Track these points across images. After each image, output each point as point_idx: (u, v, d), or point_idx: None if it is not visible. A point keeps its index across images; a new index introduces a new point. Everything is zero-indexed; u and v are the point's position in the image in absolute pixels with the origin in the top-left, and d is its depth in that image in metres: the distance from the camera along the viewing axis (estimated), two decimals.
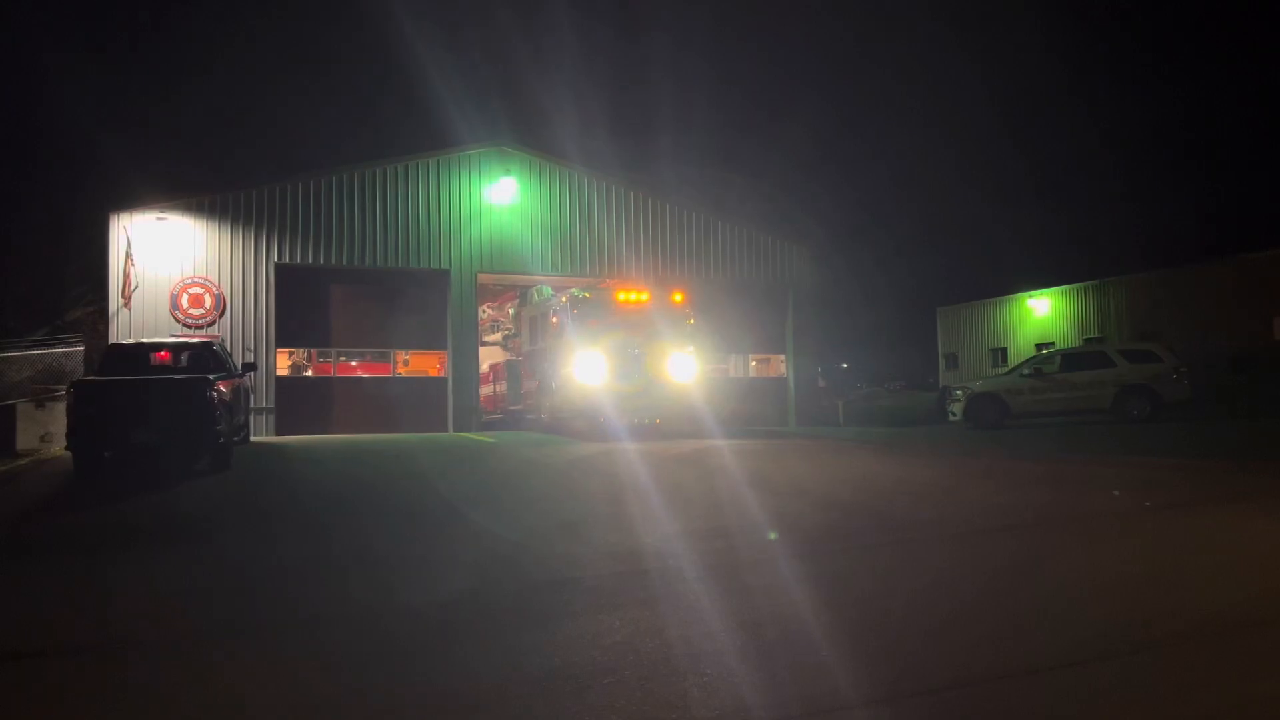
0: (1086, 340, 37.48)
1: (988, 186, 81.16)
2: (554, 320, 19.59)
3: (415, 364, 25.81)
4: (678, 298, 19.82)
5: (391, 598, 6.96)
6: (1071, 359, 23.01)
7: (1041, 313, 42.18)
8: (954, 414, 22.99)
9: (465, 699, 4.79)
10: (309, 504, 11.72)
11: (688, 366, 19.14)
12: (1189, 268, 36.74)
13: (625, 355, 18.64)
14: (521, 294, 22.21)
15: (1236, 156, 64.72)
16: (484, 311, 25.50)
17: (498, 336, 23.95)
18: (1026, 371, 22.89)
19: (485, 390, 24.17)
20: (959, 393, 23.38)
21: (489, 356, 24.45)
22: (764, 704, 4.50)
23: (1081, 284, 40.73)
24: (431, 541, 9.00)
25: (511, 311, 22.99)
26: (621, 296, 19.32)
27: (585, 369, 18.34)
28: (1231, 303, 34.36)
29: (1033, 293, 42.54)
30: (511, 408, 22.73)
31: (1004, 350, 43.26)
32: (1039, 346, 38.71)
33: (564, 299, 19.38)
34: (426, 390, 25.14)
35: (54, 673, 5.41)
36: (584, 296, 19.31)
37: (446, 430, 23.90)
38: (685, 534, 8.56)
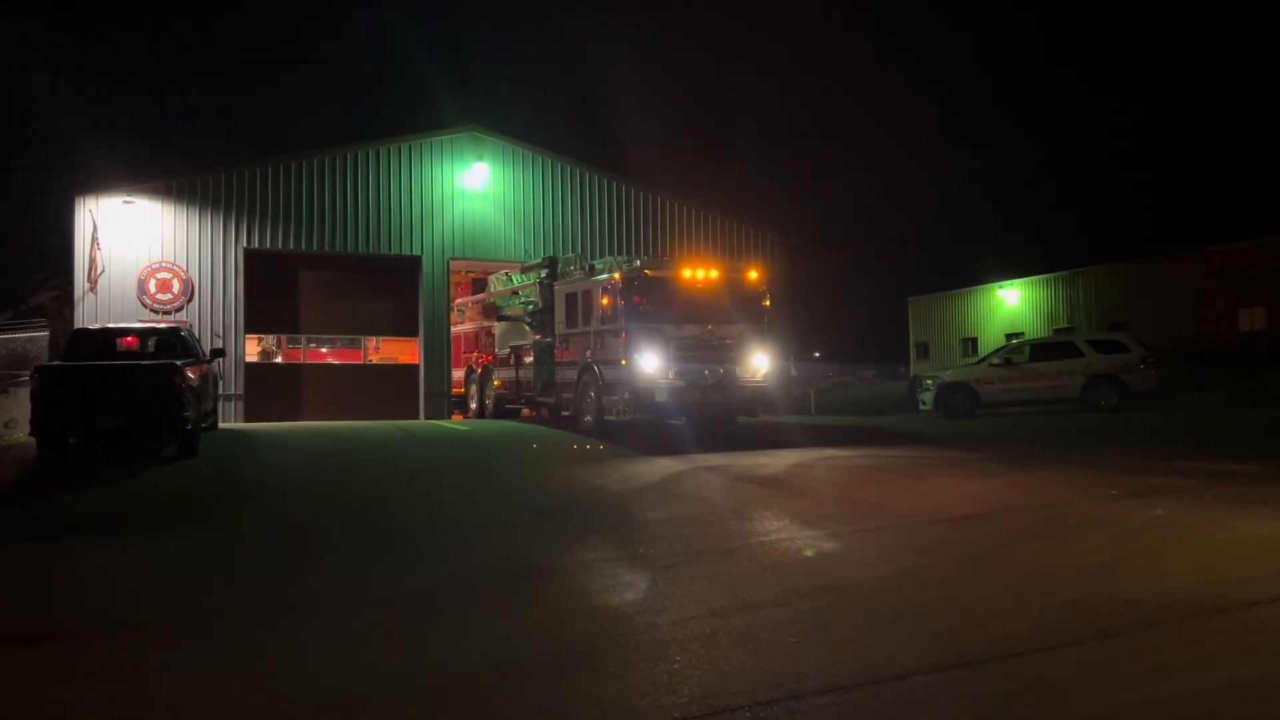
0: (1056, 330, 37.87)
1: (961, 178, 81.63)
2: (604, 301, 16.22)
3: (386, 351, 25.66)
4: (753, 275, 16.91)
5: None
6: (1041, 349, 23.24)
7: (1012, 303, 42.56)
8: (924, 403, 23.15)
9: None
10: (277, 493, 11.63)
11: (768, 358, 16.48)
12: (1156, 260, 37.15)
13: (698, 345, 15.78)
14: (550, 263, 19.09)
15: (1204, 151, 65.42)
16: (499, 281, 21.92)
17: (518, 310, 20.26)
18: (996, 361, 23.08)
19: (504, 375, 21.02)
20: (929, 382, 23.56)
21: (510, 337, 20.75)
22: None
23: (1051, 275, 41.12)
24: None
25: (535, 280, 19.18)
26: (688, 274, 16.25)
27: (650, 362, 15.39)
28: (1198, 295, 34.81)
29: (1003, 283, 42.92)
30: (540, 398, 19.16)
31: (974, 340, 43.62)
32: (1009, 336, 39.04)
33: (617, 275, 16.04)
34: (398, 377, 25.01)
35: (18, 657, 5.37)
36: (645, 274, 15.99)
37: (418, 418, 23.78)
38: None
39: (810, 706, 4.36)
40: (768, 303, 16.91)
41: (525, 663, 5.10)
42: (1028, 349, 23.44)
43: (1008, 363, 22.64)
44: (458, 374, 24.18)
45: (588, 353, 16.75)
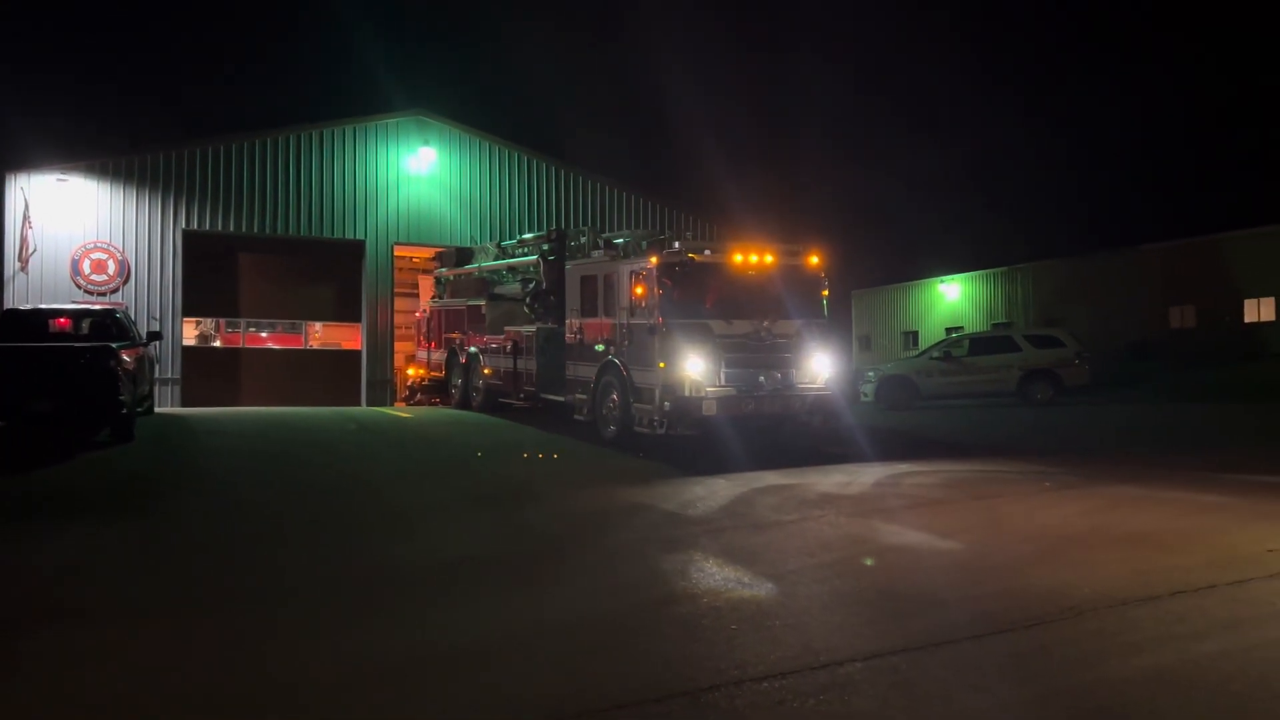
0: (994, 325, 38.55)
1: (905, 173, 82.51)
2: (637, 289, 13.62)
3: (328, 336, 25.33)
4: (813, 260, 14.19)
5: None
6: (979, 343, 23.68)
7: (952, 298, 43.24)
8: (866, 395, 23.45)
9: None
10: (215, 479, 11.48)
11: (829, 359, 14.06)
12: (1092, 256, 37.97)
13: (750, 346, 13.34)
14: (558, 236, 16.68)
15: (1141, 151, 66.89)
16: (490, 253, 19.86)
17: (515, 289, 17.92)
18: (936, 354, 23.46)
19: (498, 363, 18.16)
20: (871, 374, 23.88)
21: (506, 319, 18.13)
22: None
23: (991, 270, 41.83)
24: None
25: (537, 256, 16.88)
26: (739, 259, 13.64)
27: (695, 365, 12.92)
28: (1132, 292, 35.67)
29: (944, 278, 43.57)
30: (546, 395, 16.36)
31: (915, 333, 44.25)
32: (949, 330, 39.68)
33: (654, 259, 13.43)
34: (339, 363, 24.71)
35: None
36: (689, 258, 13.40)
37: (360, 404, 23.53)
38: None
39: None
40: (827, 292, 14.44)
41: None
42: (967, 343, 23.86)
43: (947, 356, 23.03)
44: (437, 356, 21.52)
45: (610, 348, 14.29)
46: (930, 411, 21.25)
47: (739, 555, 7.25)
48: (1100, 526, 8.20)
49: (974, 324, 40.45)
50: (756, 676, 4.69)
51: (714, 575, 6.71)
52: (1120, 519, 8.48)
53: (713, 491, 10.15)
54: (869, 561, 7.11)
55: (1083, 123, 75.86)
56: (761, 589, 6.34)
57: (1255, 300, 32.59)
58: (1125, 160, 67.74)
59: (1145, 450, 13.98)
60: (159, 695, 4.59)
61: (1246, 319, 32.77)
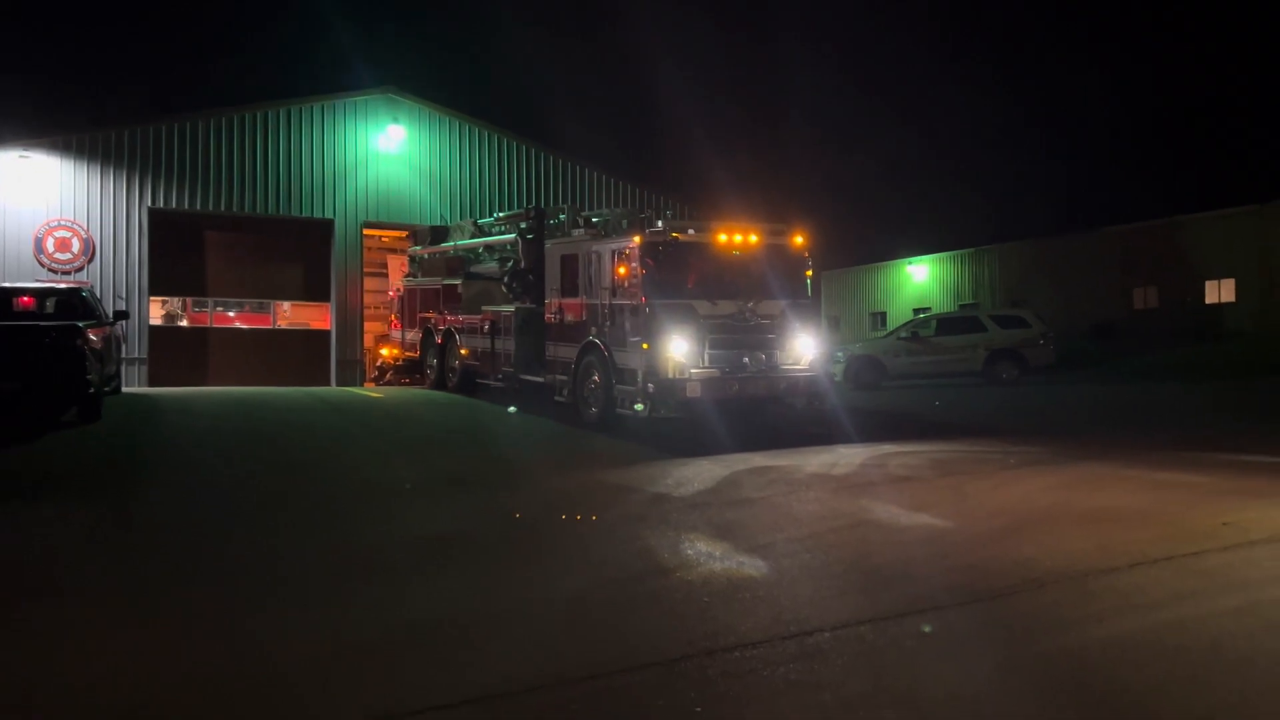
0: (961, 306, 38.90)
1: (874, 155, 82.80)
2: (620, 269, 13.50)
3: (297, 316, 25.18)
4: (798, 239, 14.10)
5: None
6: (946, 323, 23.93)
7: (920, 279, 43.59)
8: (835, 375, 23.64)
9: None
10: (182, 457, 11.44)
11: (814, 341, 14.04)
12: (1058, 238, 38.38)
13: (735, 327, 13.24)
14: (536, 214, 16.53)
15: (1105, 133, 67.62)
16: (465, 231, 19.58)
17: (492, 269, 17.76)
18: (904, 335, 23.70)
19: (475, 343, 17.93)
20: (839, 354, 24.06)
21: (483, 299, 17.84)
22: None
23: (958, 252, 42.20)
24: None
25: (515, 234, 16.64)
26: (723, 238, 13.55)
27: (679, 347, 12.79)
28: (1096, 273, 36.11)
29: (912, 259, 43.90)
30: (526, 376, 16.09)
31: (884, 314, 44.58)
32: (917, 311, 39.98)
33: (638, 239, 13.29)
34: (308, 343, 24.58)
35: None
36: (673, 238, 13.29)
37: (329, 384, 23.42)
38: None
39: None
40: (811, 273, 14.38)
41: None
42: (934, 323, 24.11)
43: (914, 336, 23.26)
44: (411, 335, 21.07)
45: (592, 329, 14.11)
46: (898, 391, 21.49)
47: (715, 532, 7.36)
48: (1064, 502, 8.37)
49: (941, 305, 40.80)
50: (727, 646, 4.79)
51: (689, 551, 6.81)
52: (1084, 495, 8.66)
53: (698, 473, 10.17)
54: (842, 537, 7.23)
55: (1049, 106, 76.47)
56: (733, 562, 6.45)
57: (1216, 281, 33.12)
58: (1091, 144, 68.45)
59: (1109, 429, 14.25)
60: (129, 672, 4.62)
61: (1208, 300, 33.30)
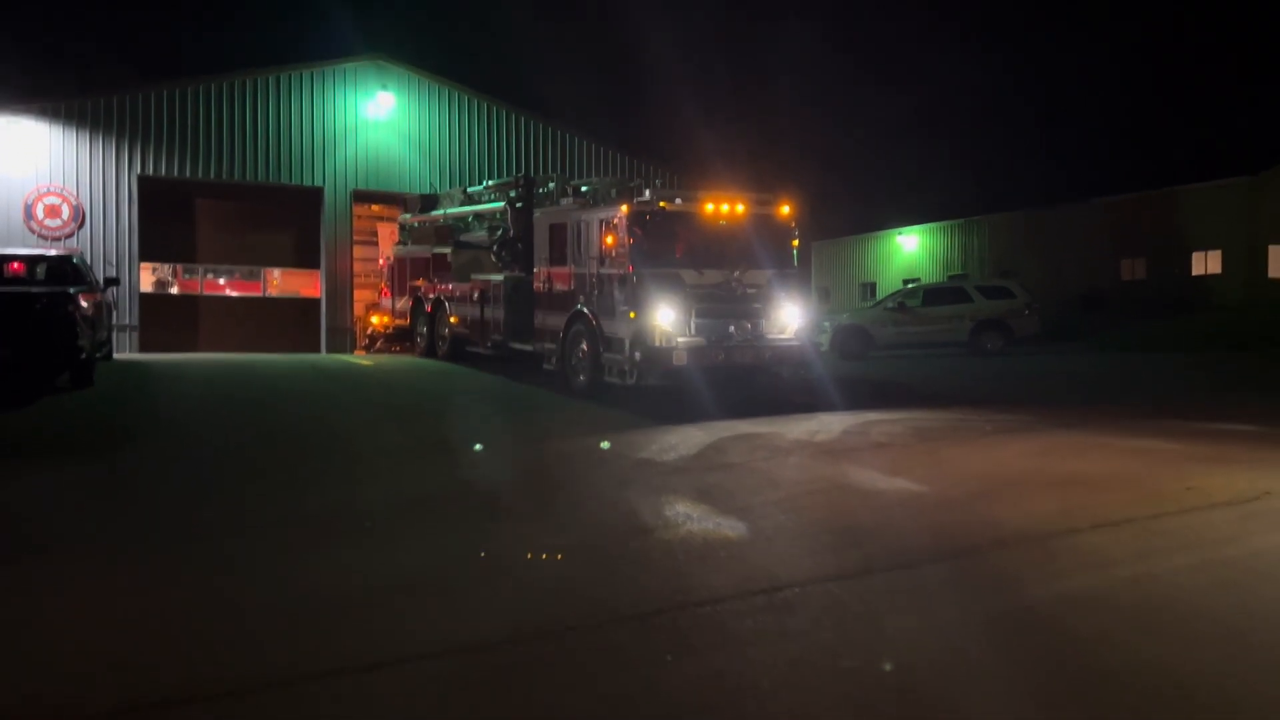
0: (950, 277, 39.07)
1: (864, 125, 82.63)
2: (608, 238, 13.54)
3: (287, 283, 25.26)
4: (784, 209, 14.13)
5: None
6: (933, 294, 24.15)
7: (910, 249, 43.73)
8: (821, 344, 23.84)
9: None
10: (176, 422, 11.60)
11: (800, 310, 14.16)
12: (1047, 209, 38.52)
13: (721, 296, 13.34)
14: (526, 183, 16.56)
15: (1094, 104, 67.55)
16: (455, 200, 19.66)
17: (481, 237, 17.74)
18: (891, 305, 23.90)
19: (465, 312, 17.99)
20: (826, 324, 24.25)
21: (473, 268, 17.89)
22: None
23: (948, 222, 42.32)
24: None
25: (504, 203, 16.65)
26: (710, 208, 13.59)
27: (666, 316, 12.86)
28: (1085, 244, 36.31)
29: (902, 230, 44.02)
30: (515, 344, 16.22)
31: (874, 285, 44.75)
32: (906, 281, 40.15)
33: (625, 208, 13.36)
34: (299, 310, 24.69)
35: None
36: (660, 207, 13.38)
37: (319, 351, 23.55)
38: None
39: None
40: (797, 243, 14.42)
41: None
42: (921, 294, 24.32)
43: (901, 307, 23.47)
44: (401, 303, 21.22)
45: (580, 297, 14.23)
46: (885, 361, 21.70)
47: (696, 495, 7.56)
48: (1037, 468, 8.58)
49: (931, 275, 40.97)
50: (700, 601, 5.00)
51: (670, 513, 7.01)
52: (1056, 461, 8.87)
53: (683, 439, 10.31)
54: (818, 500, 7.44)
55: (1039, 76, 76.30)
56: (711, 523, 6.65)
57: (1203, 253, 33.37)
58: (1081, 114, 68.39)
59: (1089, 399, 14.48)
60: (117, 628, 4.79)
61: (1194, 271, 33.55)
